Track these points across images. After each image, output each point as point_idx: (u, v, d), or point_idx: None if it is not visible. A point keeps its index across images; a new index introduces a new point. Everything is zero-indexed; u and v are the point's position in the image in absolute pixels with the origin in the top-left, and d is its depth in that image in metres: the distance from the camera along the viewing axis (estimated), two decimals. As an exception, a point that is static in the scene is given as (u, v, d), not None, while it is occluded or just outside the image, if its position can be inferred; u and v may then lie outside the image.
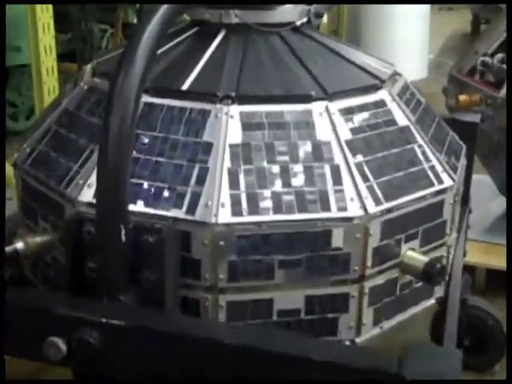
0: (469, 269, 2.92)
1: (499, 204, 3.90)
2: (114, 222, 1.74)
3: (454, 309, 2.41)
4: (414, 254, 2.15)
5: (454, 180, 2.25)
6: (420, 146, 2.25)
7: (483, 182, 3.89)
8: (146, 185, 2.02)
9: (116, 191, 1.74)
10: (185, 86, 2.14)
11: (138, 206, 1.98)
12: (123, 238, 1.74)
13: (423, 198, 2.16)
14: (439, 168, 2.24)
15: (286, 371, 1.56)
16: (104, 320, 1.67)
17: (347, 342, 2.13)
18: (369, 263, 2.06)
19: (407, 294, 2.23)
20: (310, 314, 2.06)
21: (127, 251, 1.77)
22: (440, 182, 2.21)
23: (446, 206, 2.24)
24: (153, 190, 2.01)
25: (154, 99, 2.14)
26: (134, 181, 2.02)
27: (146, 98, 2.12)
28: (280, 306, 2.04)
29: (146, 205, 1.98)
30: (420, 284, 2.24)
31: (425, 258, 2.13)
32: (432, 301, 2.34)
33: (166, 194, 2.00)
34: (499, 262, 3.30)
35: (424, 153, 2.24)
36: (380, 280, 2.13)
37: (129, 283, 1.80)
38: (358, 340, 2.14)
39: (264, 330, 1.79)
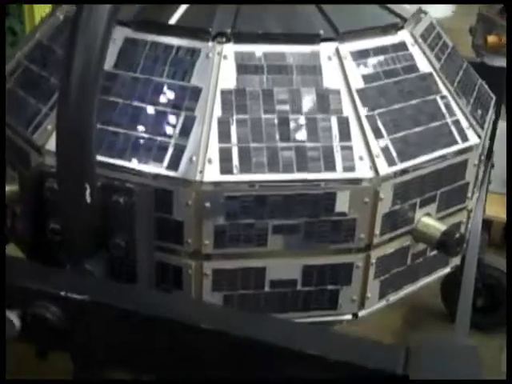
0: (485, 222, 2.61)
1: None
2: (77, 179, 1.48)
3: (470, 274, 2.16)
4: (429, 221, 1.87)
5: (480, 137, 1.94)
6: (443, 97, 1.94)
7: (503, 130, 3.56)
8: (122, 134, 1.74)
9: (79, 142, 1.47)
10: (172, 20, 1.83)
11: (112, 159, 1.71)
12: (88, 198, 1.48)
13: (443, 157, 1.86)
14: (464, 123, 1.93)
15: (269, 363, 1.31)
16: (63, 293, 1.42)
17: (349, 316, 1.87)
18: (377, 231, 1.79)
19: (419, 263, 1.96)
20: (308, 286, 1.80)
21: (93, 213, 1.51)
22: (464, 139, 1.91)
23: (470, 166, 1.94)
24: (130, 140, 1.73)
25: (136, 34, 1.84)
26: (110, 129, 1.75)
27: (126, 33, 1.83)
28: (273, 275, 1.78)
29: (122, 157, 1.71)
30: (435, 252, 1.97)
31: (442, 226, 1.85)
32: (447, 269, 2.07)
33: (144, 145, 1.72)
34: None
35: (448, 105, 1.93)
36: (389, 249, 1.85)
37: (96, 249, 1.55)
38: (360, 314, 1.88)
39: (243, 313, 1.54)
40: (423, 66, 1.94)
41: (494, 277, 2.58)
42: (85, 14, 1.45)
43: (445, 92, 1.94)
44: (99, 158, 1.67)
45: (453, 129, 1.91)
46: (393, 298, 1.93)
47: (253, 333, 1.33)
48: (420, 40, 1.98)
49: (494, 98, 2.23)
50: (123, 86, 1.79)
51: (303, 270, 1.78)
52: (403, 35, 1.96)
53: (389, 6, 2.03)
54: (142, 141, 1.72)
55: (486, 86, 2.24)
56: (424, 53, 1.97)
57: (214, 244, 1.71)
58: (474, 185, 2.01)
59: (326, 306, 1.83)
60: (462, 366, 1.29)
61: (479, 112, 2.05)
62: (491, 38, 3.84)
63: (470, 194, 2.00)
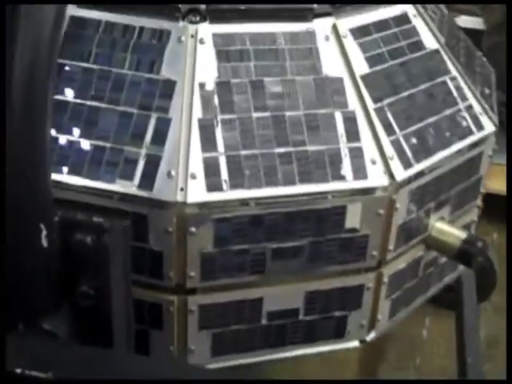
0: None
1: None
2: (30, 218, 1.10)
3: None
4: (446, 227, 1.58)
5: (495, 125, 1.66)
6: (453, 79, 1.63)
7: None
8: (76, 143, 1.36)
9: (29, 170, 1.09)
10: (131, -6, 1.44)
11: (64, 175, 1.33)
12: (44, 241, 1.11)
13: (460, 151, 1.57)
14: (477, 108, 1.64)
15: None
16: (19, 370, 1.06)
17: (355, 343, 1.58)
18: (391, 246, 1.49)
19: (431, 272, 1.68)
20: (311, 314, 1.49)
21: (52, 258, 1.14)
22: (479, 127, 1.62)
23: (485, 158, 1.66)
24: (87, 151, 1.35)
25: (84, 11, 1.44)
26: (60, 137, 1.36)
27: (71, 10, 1.43)
28: (272, 306, 1.46)
29: (76, 173, 1.33)
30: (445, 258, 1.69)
31: (462, 233, 1.57)
32: (456, 274, 1.80)
33: (107, 157, 1.34)
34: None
35: (458, 87, 1.63)
36: (402, 263, 1.56)
37: (57, 302, 1.18)
38: (368, 338, 1.59)
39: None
40: (429, 41, 1.63)
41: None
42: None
43: (454, 72, 1.64)
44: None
45: (466, 116, 1.61)
46: (403, 314, 1.65)
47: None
48: (421, 10, 1.66)
49: (493, 70, 1.94)
50: (73, 81, 1.40)
51: (306, 297, 1.47)
52: (403, 5, 1.63)
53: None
54: (102, 152, 1.35)
55: (484, 58, 1.95)
56: (428, 25, 1.65)
57: (201, 276, 1.38)
58: (487, 176, 1.73)
59: (332, 335, 1.53)
60: None
61: (487, 91, 1.76)
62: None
63: (482, 189, 1.72)
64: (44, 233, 1.11)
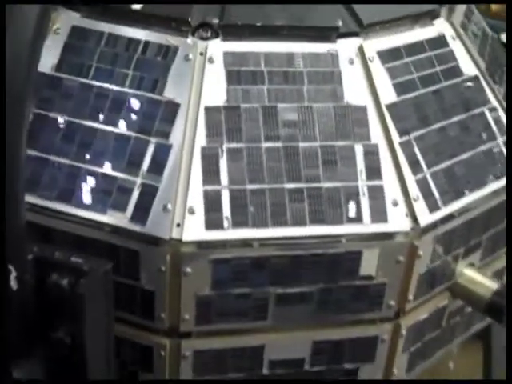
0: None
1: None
2: (-2, 258, 0.98)
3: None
4: (475, 276, 1.42)
5: (537, 162, 1.48)
6: (493, 110, 1.47)
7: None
8: (67, 167, 1.23)
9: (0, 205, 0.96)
10: (137, 5, 1.31)
11: (51, 201, 1.21)
12: (13, 284, 0.98)
13: (496, 192, 1.40)
14: (518, 143, 1.47)
15: None
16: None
17: (367, 398, 1.43)
18: (411, 295, 1.33)
19: (456, 322, 1.52)
20: (318, 365, 1.35)
21: (22, 302, 1.02)
22: (519, 165, 1.45)
23: (523, 199, 1.49)
24: (78, 176, 1.23)
25: (88, 22, 1.32)
26: (51, 159, 1.24)
27: (74, 19, 1.31)
28: (274, 354, 1.32)
29: (65, 200, 1.21)
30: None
31: (493, 284, 1.41)
32: (485, 323, 1.64)
33: (100, 184, 1.22)
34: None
35: (498, 120, 1.46)
36: (423, 314, 1.41)
37: (29, 350, 1.06)
38: (382, 392, 1.44)
39: None
40: (467, 67, 1.47)
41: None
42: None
43: (494, 102, 1.48)
44: (33, 199, 1.18)
45: (505, 152, 1.44)
46: (423, 367, 1.49)
47: None
48: (461, 31, 1.50)
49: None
50: (69, 98, 1.28)
51: (313, 347, 1.33)
52: (441, 25, 1.47)
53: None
54: (94, 178, 1.22)
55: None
56: (466, 48, 1.49)
57: (196, 319, 1.24)
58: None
59: (341, 387, 1.39)
60: None
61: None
62: (495, 6, 3.40)
63: (517, 232, 1.55)
64: (13, 274, 0.98)
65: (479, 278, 1.41)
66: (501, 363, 1.81)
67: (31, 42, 0.94)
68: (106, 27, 1.31)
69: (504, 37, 2.15)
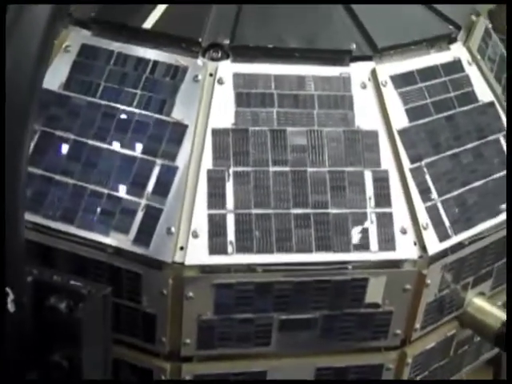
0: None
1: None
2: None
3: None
4: (485, 306, 1.39)
5: (552, 191, 1.44)
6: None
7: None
8: (71, 186, 1.21)
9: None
10: (147, 24, 1.29)
11: (54, 221, 1.19)
12: (11, 306, 0.96)
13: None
14: (533, 171, 1.43)
15: None
16: None
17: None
18: (418, 324, 1.30)
19: (464, 351, 1.48)
20: (322, 393, 1.32)
21: (19, 325, 1.00)
22: (533, 194, 1.41)
23: (536, 227, 1.45)
24: (83, 196, 1.21)
25: (98, 40, 1.30)
26: (56, 178, 1.22)
27: (84, 37, 1.29)
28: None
29: (68, 221, 1.19)
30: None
31: (502, 314, 1.37)
32: (495, 351, 1.59)
33: (103, 205, 1.20)
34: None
35: (513, 147, 1.42)
36: (430, 342, 1.37)
37: (24, 373, 1.04)
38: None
39: None
40: (482, 92, 1.43)
41: None
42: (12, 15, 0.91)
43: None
44: (36, 219, 1.16)
45: (519, 180, 1.40)
46: (428, 396, 1.45)
47: None
48: (478, 56, 1.46)
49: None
50: (76, 116, 1.26)
51: (316, 374, 1.29)
52: (457, 50, 1.44)
53: (434, 6, 1.49)
54: (98, 198, 1.20)
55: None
56: (483, 74, 1.45)
57: (198, 344, 1.22)
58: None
59: (344, 416, 1.35)
60: None
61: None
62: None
63: (530, 260, 1.51)
64: (11, 297, 0.96)
65: (488, 308, 1.37)
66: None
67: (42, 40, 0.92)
68: (116, 46, 1.29)
69: None
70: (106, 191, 1.20)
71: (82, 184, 1.21)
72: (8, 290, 0.96)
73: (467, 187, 1.33)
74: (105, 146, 1.23)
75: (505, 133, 1.42)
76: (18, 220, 0.96)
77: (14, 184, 0.94)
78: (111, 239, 1.18)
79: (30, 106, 0.98)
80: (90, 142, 1.24)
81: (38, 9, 0.94)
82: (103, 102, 1.26)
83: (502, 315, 1.36)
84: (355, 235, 1.21)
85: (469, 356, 1.50)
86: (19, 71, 0.95)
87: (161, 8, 1.29)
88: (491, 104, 1.43)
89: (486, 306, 1.38)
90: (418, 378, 1.38)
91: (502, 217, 1.35)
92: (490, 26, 1.63)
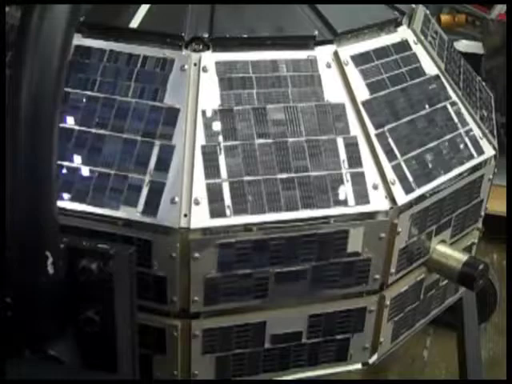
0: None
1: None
2: (36, 246, 1.08)
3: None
4: (447, 250, 1.56)
5: (495, 148, 1.64)
6: (453, 104, 1.61)
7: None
8: (82, 171, 1.34)
9: (36, 196, 1.07)
10: (134, 23, 1.43)
11: (68, 202, 1.31)
12: (50, 269, 1.09)
13: (461, 175, 1.54)
14: (478, 132, 1.62)
15: None
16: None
17: (358, 365, 1.55)
18: (393, 269, 1.46)
19: (432, 295, 1.65)
20: (314, 337, 1.46)
21: (57, 285, 1.12)
22: (480, 151, 1.60)
23: (485, 181, 1.64)
24: (92, 178, 1.33)
25: (89, 41, 1.43)
26: (65, 164, 1.35)
27: (76, 39, 1.42)
28: (275, 329, 1.43)
29: (80, 200, 1.31)
30: (446, 281, 1.67)
31: (462, 256, 1.54)
32: (457, 296, 1.78)
33: (111, 184, 1.33)
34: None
35: (459, 112, 1.61)
36: (404, 286, 1.53)
37: (62, 328, 1.16)
38: (371, 361, 1.56)
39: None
40: (429, 67, 1.61)
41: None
42: (36, 13, 1.04)
43: (454, 97, 1.62)
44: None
45: (467, 140, 1.59)
46: (405, 336, 1.62)
47: None
48: (422, 37, 1.64)
49: (493, 95, 1.93)
50: (77, 109, 1.39)
51: (309, 321, 1.44)
52: (404, 32, 1.62)
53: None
54: (106, 179, 1.33)
55: (484, 83, 1.93)
56: (428, 52, 1.63)
57: (205, 300, 1.35)
58: (487, 200, 1.70)
59: (335, 357, 1.50)
60: None
61: (485, 114, 1.74)
62: (444, 17, 3.56)
63: (482, 212, 1.70)
64: (50, 260, 1.09)
65: (450, 252, 1.55)
66: (473, 350, 1.94)
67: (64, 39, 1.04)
68: (107, 45, 1.42)
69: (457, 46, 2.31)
70: (112, 172, 1.33)
71: (91, 168, 1.34)
72: (47, 253, 1.08)
73: (424, 148, 1.50)
74: (107, 132, 1.36)
75: (451, 101, 1.61)
76: (51, 191, 1.08)
77: (49, 159, 1.06)
78: (121, 212, 1.30)
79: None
80: (93, 130, 1.36)
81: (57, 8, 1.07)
82: (101, 95, 1.39)
83: (462, 257, 1.54)
84: (334, 193, 1.37)
85: (436, 299, 1.67)
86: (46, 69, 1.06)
87: (144, 8, 1.43)
88: (437, 77, 1.61)
89: (447, 251, 1.55)
90: (396, 319, 1.55)
91: (455, 172, 1.53)
92: (427, 12, 1.83)
